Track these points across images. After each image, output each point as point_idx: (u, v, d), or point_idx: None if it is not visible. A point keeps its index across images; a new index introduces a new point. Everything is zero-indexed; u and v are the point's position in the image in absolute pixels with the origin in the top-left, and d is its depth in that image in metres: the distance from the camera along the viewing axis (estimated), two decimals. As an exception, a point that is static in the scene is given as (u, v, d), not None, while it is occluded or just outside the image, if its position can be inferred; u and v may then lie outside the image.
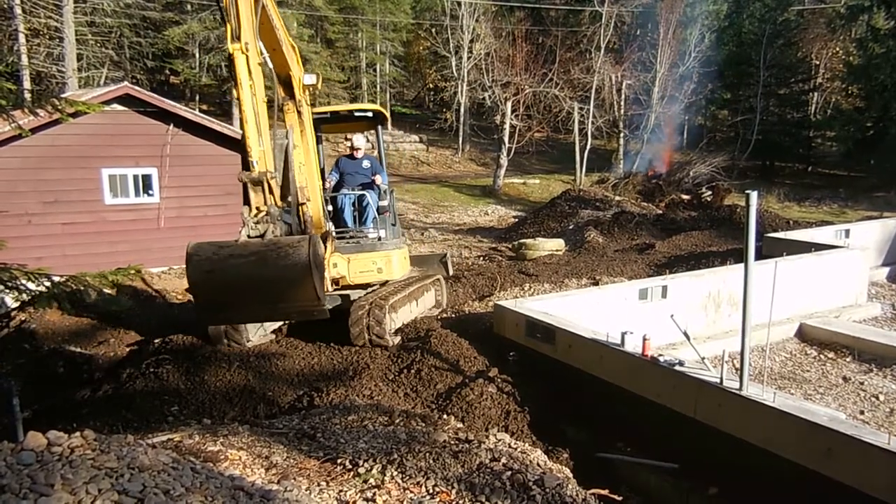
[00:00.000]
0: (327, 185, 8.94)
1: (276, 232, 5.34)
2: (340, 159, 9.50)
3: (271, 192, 5.57)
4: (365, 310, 7.99)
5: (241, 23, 5.27)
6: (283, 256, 4.96)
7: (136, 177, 14.07)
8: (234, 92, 5.48)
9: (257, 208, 5.44)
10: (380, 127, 9.62)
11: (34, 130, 11.20)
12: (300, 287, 5.02)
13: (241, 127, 5.52)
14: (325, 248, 7.49)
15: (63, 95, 10.35)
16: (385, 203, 8.96)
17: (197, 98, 33.77)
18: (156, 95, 14.62)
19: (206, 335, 7.98)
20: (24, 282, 5.76)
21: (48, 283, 5.76)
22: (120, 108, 13.63)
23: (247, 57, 5.38)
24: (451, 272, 10.96)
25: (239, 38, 5.26)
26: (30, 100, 6.42)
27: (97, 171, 13.57)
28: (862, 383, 8.42)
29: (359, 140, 9.34)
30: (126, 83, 14.55)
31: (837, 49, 38.82)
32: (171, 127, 14.13)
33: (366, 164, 9.22)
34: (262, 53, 6.00)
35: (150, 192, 14.22)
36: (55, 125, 12.13)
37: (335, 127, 10.30)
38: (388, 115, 9.30)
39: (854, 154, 32.32)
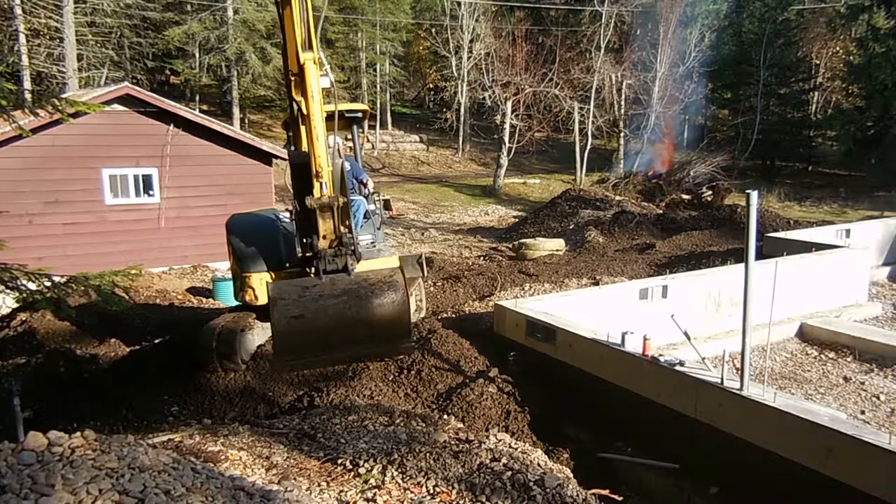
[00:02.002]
0: None
1: (354, 264, 4.92)
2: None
3: (342, 218, 5.07)
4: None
5: (311, 31, 4.96)
6: (377, 293, 4.68)
7: (136, 177, 14.09)
8: (303, 106, 4.96)
9: (326, 237, 4.93)
10: (356, 127, 9.02)
11: (35, 131, 11.21)
12: (395, 324, 4.76)
13: (307, 145, 5.02)
14: None
15: (63, 96, 10.36)
16: (372, 207, 8.50)
17: (197, 98, 33.78)
18: (156, 96, 14.63)
19: (195, 361, 7.57)
20: (24, 282, 5.76)
21: (49, 284, 5.76)
22: (120, 108, 13.65)
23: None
24: (426, 273, 10.68)
25: (311, 48, 4.93)
26: (30, 100, 6.41)
27: (98, 172, 13.59)
28: (863, 383, 8.41)
29: (337, 142, 8.86)
30: (126, 83, 14.56)
31: (838, 48, 38.81)
32: (172, 127, 14.14)
33: (346, 165, 8.77)
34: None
35: (151, 192, 14.23)
36: (56, 125, 12.14)
37: None
38: (368, 111, 9.03)
39: (855, 153, 32.32)
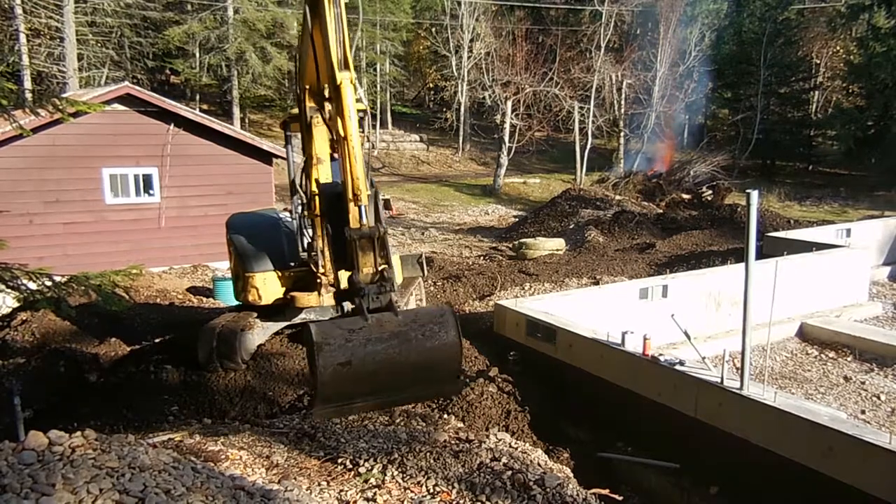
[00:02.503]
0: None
1: (399, 301, 4.57)
2: None
3: (383, 250, 4.62)
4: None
5: (346, 49, 4.67)
6: (428, 336, 4.34)
7: (136, 176, 14.08)
8: (340, 127, 4.57)
9: (366, 271, 4.47)
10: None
11: (35, 130, 11.21)
12: (447, 367, 4.44)
13: (345, 166, 4.58)
14: None
15: (64, 95, 10.35)
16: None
17: (197, 98, 33.78)
18: (156, 95, 14.63)
19: (195, 360, 7.58)
20: (25, 281, 5.76)
21: (49, 283, 5.75)
22: (121, 107, 13.64)
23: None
24: (426, 273, 10.68)
25: (348, 67, 4.64)
26: (31, 100, 6.40)
27: (98, 171, 13.58)
28: (863, 383, 8.41)
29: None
30: (126, 83, 14.56)
31: (838, 48, 38.80)
32: (172, 127, 14.14)
33: None
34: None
35: (151, 191, 14.23)
36: (56, 125, 12.14)
37: None
38: (367, 110, 8.89)
39: (855, 153, 32.31)
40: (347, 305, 5.04)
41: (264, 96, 33.17)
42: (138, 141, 13.90)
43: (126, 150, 13.81)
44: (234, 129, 16.29)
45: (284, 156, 9.13)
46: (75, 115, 7.61)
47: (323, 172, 6.77)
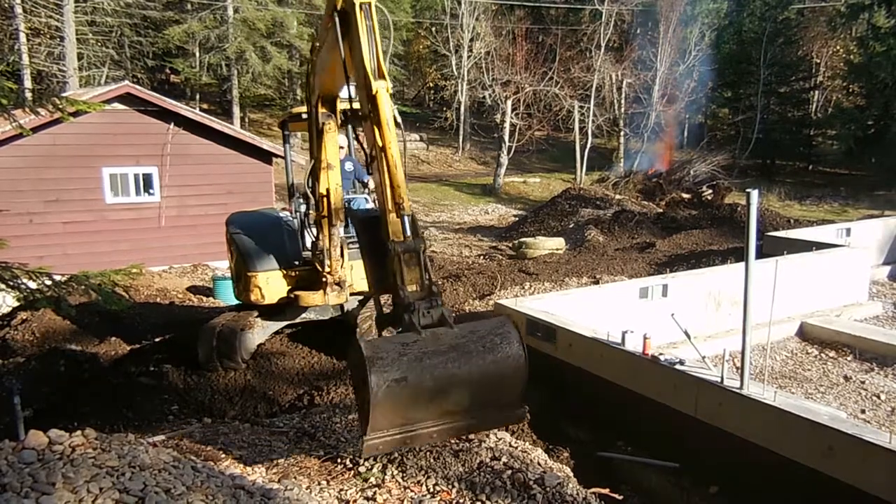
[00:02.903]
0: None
1: (451, 315, 4.21)
2: None
3: (427, 264, 4.38)
4: (373, 320, 7.61)
5: (380, 57, 4.51)
6: (489, 348, 3.95)
7: (136, 176, 14.09)
8: (378, 137, 4.40)
9: (412, 286, 4.22)
10: (350, 126, 9.02)
11: (35, 130, 11.21)
12: (511, 383, 4.05)
13: (382, 177, 4.39)
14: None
15: (64, 94, 10.34)
16: (371, 206, 8.57)
17: (197, 97, 33.78)
18: (156, 94, 14.63)
19: (195, 360, 7.58)
20: (25, 281, 5.76)
21: (49, 282, 5.75)
22: (121, 107, 13.64)
23: None
24: None
25: (383, 76, 4.47)
26: (31, 99, 6.39)
27: (98, 171, 13.59)
28: (863, 382, 8.41)
29: (341, 139, 8.77)
30: (127, 82, 14.56)
31: (838, 47, 38.80)
32: (172, 126, 14.14)
33: (349, 165, 8.55)
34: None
35: (151, 191, 14.24)
36: (56, 124, 12.14)
37: (304, 125, 9.83)
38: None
39: (855, 152, 32.33)
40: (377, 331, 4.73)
41: (264, 95, 33.17)
42: (138, 140, 13.90)
43: (126, 149, 13.81)
44: (234, 129, 16.30)
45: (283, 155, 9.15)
46: (75, 114, 7.60)
47: (333, 178, 6.73)
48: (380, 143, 4.40)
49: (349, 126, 8.72)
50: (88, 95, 13.25)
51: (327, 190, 6.72)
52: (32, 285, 5.74)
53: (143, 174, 14.12)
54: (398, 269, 4.22)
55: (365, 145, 4.75)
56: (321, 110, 6.37)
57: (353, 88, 4.88)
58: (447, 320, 4.09)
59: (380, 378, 3.64)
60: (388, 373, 3.67)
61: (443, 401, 3.86)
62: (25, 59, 21.30)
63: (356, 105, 7.49)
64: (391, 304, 4.37)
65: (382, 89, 4.43)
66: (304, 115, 8.31)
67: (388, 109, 4.41)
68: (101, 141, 13.50)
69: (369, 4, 4.51)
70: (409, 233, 4.27)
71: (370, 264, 4.84)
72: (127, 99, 13.66)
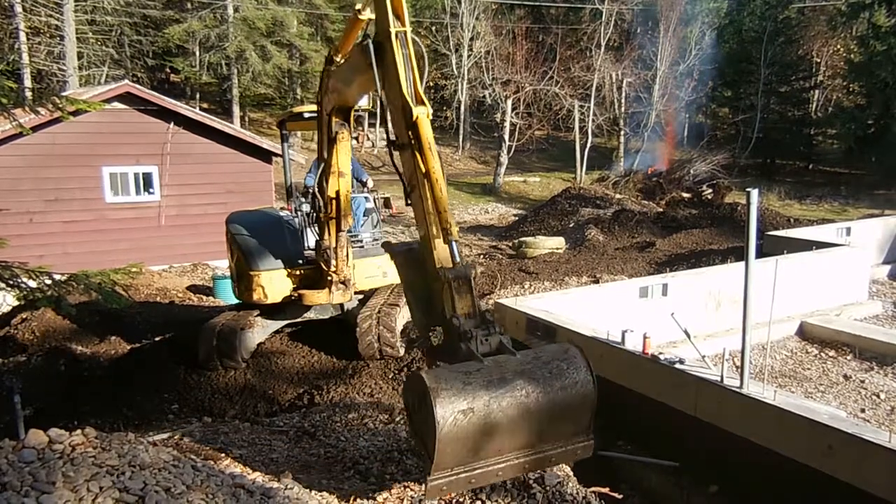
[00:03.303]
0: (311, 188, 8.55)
1: (509, 340, 4.03)
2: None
3: (473, 291, 4.19)
4: (374, 319, 7.51)
5: (417, 82, 4.41)
6: (556, 374, 3.75)
7: (136, 175, 14.09)
8: (420, 162, 4.27)
9: (464, 313, 4.04)
10: (356, 125, 9.01)
11: (35, 129, 11.21)
12: (579, 413, 3.88)
13: (427, 204, 4.24)
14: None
15: (64, 94, 10.33)
16: (370, 205, 8.54)
17: (197, 96, 33.77)
18: (156, 94, 14.62)
19: (195, 359, 7.59)
20: (25, 280, 5.75)
21: (49, 282, 5.75)
22: (120, 106, 13.64)
23: None
24: None
25: (423, 102, 4.35)
26: (31, 98, 6.39)
27: (98, 170, 13.58)
28: (863, 381, 8.42)
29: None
30: (126, 81, 14.55)
31: (838, 46, 38.75)
32: (172, 125, 14.14)
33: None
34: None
35: (151, 190, 14.23)
36: (56, 123, 12.13)
37: (305, 124, 9.85)
38: (369, 108, 8.66)
39: (855, 152, 32.31)
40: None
41: (264, 95, 33.15)
42: (138, 139, 13.90)
43: (126, 148, 13.80)
44: (234, 128, 16.29)
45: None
46: (75, 113, 7.60)
47: (343, 185, 6.74)
48: (423, 169, 4.26)
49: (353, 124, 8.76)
50: (88, 94, 13.25)
51: (337, 193, 6.73)
52: (32, 284, 5.74)
53: (143, 173, 14.12)
54: (449, 297, 4.05)
55: (402, 170, 4.56)
56: (335, 119, 6.31)
57: (387, 115, 4.70)
58: (507, 347, 3.93)
59: (445, 410, 3.41)
60: (453, 404, 3.43)
61: (510, 432, 3.64)
62: (25, 58, 21.29)
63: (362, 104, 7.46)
64: (445, 332, 4.19)
65: (423, 115, 4.32)
66: (307, 115, 8.36)
67: (429, 135, 4.31)
68: (101, 140, 13.50)
69: (404, 33, 4.40)
70: (457, 259, 4.13)
71: (414, 298, 4.70)
72: (127, 98, 13.65)
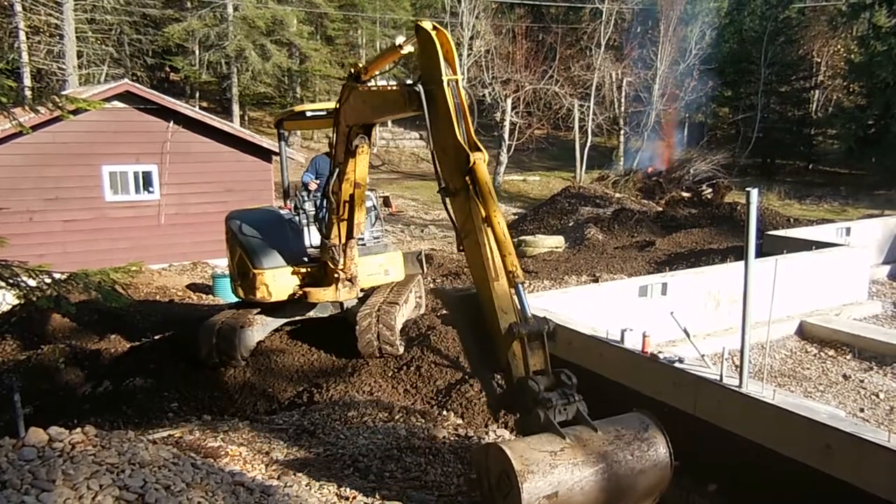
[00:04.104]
0: (310, 186, 8.42)
1: (585, 408, 3.89)
2: (318, 158, 8.78)
3: (546, 348, 3.99)
4: (373, 317, 7.49)
5: (469, 128, 4.32)
6: (638, 457, 3.70)
7: (136, 174, 14.08)
8: (480, 208, 4.12)
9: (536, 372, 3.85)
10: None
11: (35, 128, 11.20)
12: (652, 492, 3.83)
13: (485, 252, 4.08)
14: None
15: (63, 92, 10.34)
16: (370, 204, 8.46)
17: (197, 95, 33.75)
18: (156, 92, 14.62)
19: (195, 357, 7.58)
20: (24, 279, 5.75)
21: (49, 280, 5.75)
22: (120, 105, 13.63)
23: None
24: (426, 270, 10.58)
25: (478, 147, 4.24)
26: (30, 97, 6.38)
27: (98, 168, 13.58)
28: (862, 381, 8.42)
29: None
30: (126, 80, 14.55)
31: (839, 47, 38.74)
32: (172, 124, 14.13)
33: None
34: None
35: (151, 188, 14.23)
36: (56, 122, 12.12)
37: (303, 124, 9.65)
38: None
39: (855, 152, 32.30)
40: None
41: (264, 94, 33.11)
42: (138, 138, 13.89)
43: (126, 147, 13.80)
44: (234, 127, 16.28)
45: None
46: (75, 112, 7.61)
47: (359, 195, 6.77)
48: (483, 214, 4.16)
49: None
50: (88, 93, 13.24)
51: (351, 197, 6.73)
52: (32, 283, 5.74)
53: (143, 172, 14.11)
54: (522, 356, 3.90)
55: (454, 219, 4.43)
56: (356, 131, 6.24)
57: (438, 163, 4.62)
58: (585, 417, 3.81)
59: (531, 495, 3.34)
60: (539, 490, 3.37)
61: None
62: (25, 56, 21.27)
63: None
64: (518, 389, 4.00)
65: (480, 161, 4.23)
66: (308, 114, 8.37)
67: (487, 180, 4.24)
68: (100, 139, 13.49)
69: (456, 81, 4.38)
70: (527, 309, 4.01)
71: (471, 342, 4.56)
72: (126, 97, 13.64)
